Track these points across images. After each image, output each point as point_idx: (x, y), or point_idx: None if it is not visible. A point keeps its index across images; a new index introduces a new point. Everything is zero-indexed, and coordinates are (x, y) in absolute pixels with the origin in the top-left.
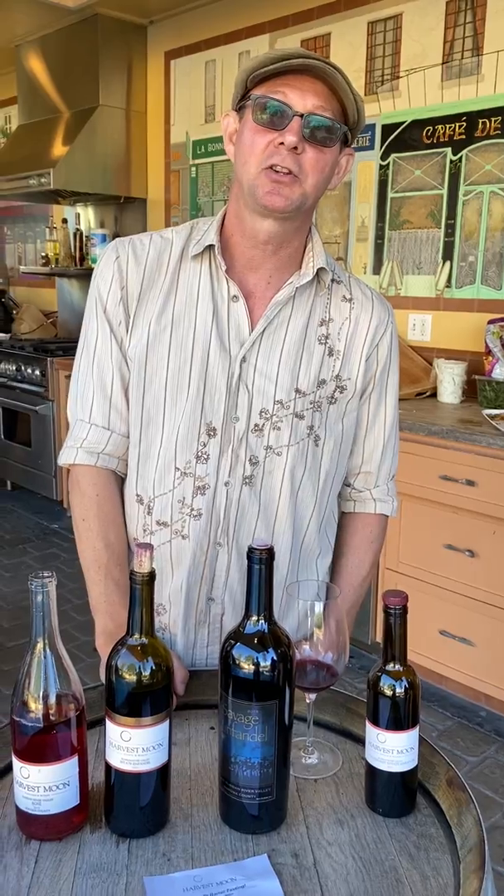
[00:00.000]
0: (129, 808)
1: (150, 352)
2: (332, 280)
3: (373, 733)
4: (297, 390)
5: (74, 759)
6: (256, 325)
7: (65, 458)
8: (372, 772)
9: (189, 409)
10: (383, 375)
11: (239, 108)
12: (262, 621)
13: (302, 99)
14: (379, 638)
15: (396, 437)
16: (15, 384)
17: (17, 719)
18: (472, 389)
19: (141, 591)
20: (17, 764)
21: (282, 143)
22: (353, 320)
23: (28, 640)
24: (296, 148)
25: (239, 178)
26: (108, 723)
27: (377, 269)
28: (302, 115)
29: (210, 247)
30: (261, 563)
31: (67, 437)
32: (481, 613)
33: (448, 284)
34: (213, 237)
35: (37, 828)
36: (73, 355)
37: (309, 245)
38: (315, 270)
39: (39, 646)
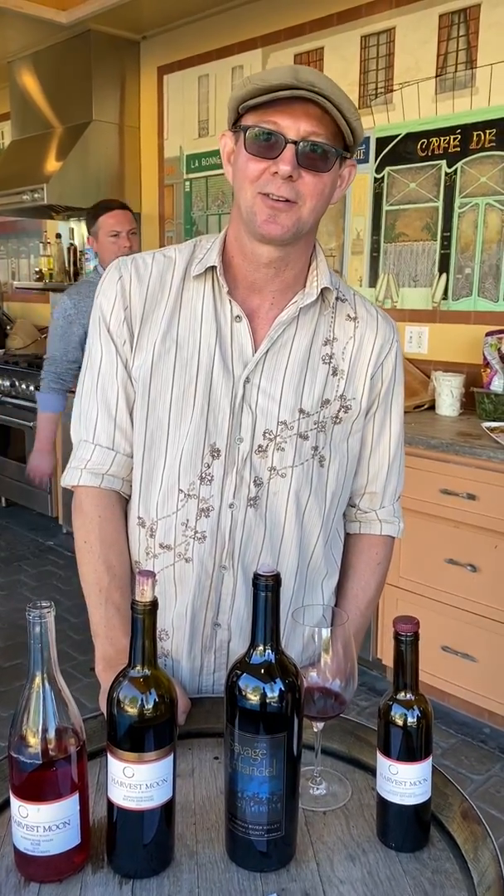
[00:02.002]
0: (132, 847)
1: (155, 373)
2: (337, 298)
3: (384, 765)
4: (301, 410)
5: (75, 797)
6: (260, 346)
7: (68, 479)
8: (384, 805)
9: (193, 431)
10: (388, 395)
11: (234, 130)
12: (269, 651)
13: (295, 125)
14: (381, 654)
15: (402, 458)
16: (8, 400)
17: (16, 756)
18: (471, 402)
19: (143, 621)
20: (15, 803)
21: (276, 173)
22: (358, 339)
23: (23, 660)
24: (290, 176)
25: (237, 201)
26: (109, 758)
27: (373, 282)
28: (296, 143)
29: (212, 268)
30: (267, 590)
31: (71, 457)
32: (484, 629)
33: (444, 297)
34: (215, 258)
35: (36, 869)
36: None
37: (313, 264)
38: (319, 290)
39: (38, 679)
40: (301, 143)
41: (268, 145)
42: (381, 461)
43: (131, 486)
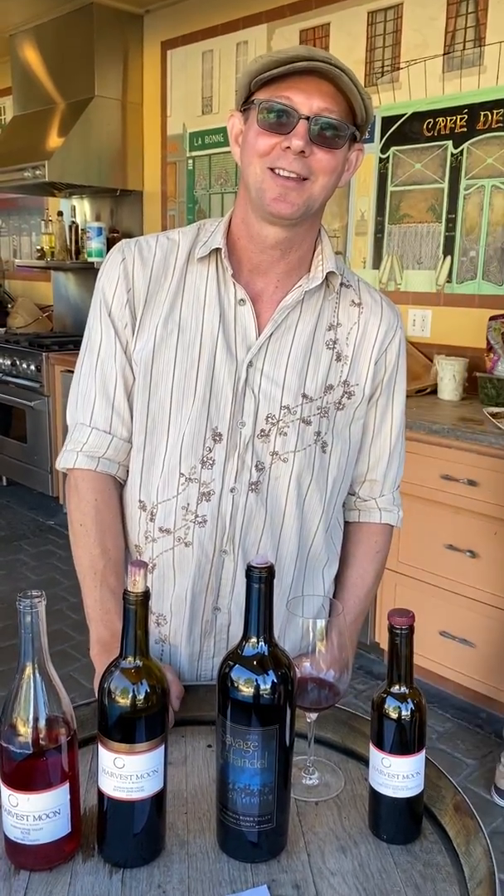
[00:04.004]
0: (122, 837)
1: (157, 356)
2: (342, 284)
3: (377, 757)
4: (304, 395)
5: (65, 787)
6: (264, 330)
7: (64, 461)
8: (376, 797)
9: (195, 414)
10: (391, 382)
11: (244, 109)
12: (262, 643)
13: (308, 101)
14: (379, 638)
15: (403, 445)
16: (10, 379)
17: (6, 745)
18: (473, 387)
19: (135, 611)
20: (5, 791)
21: (288, 148)
22: (362, 325)
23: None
24: (303, 152)
25: (245, 180)
26: (100, 748)
27: (377, 264)
28: (308, 118)
29: (217, 250)
30: (260, 581)
31: (67, 440)
32: (482, 614)
33: (449, 280)
34: (219, 240)
35: (26, 857)
36: (69, 350)
37: (318, 248)
38: (325, 274)
39: (28, 670)
40: (314, 119)
41: (280, 120)
42: (382, 449)
43: (127, 471)
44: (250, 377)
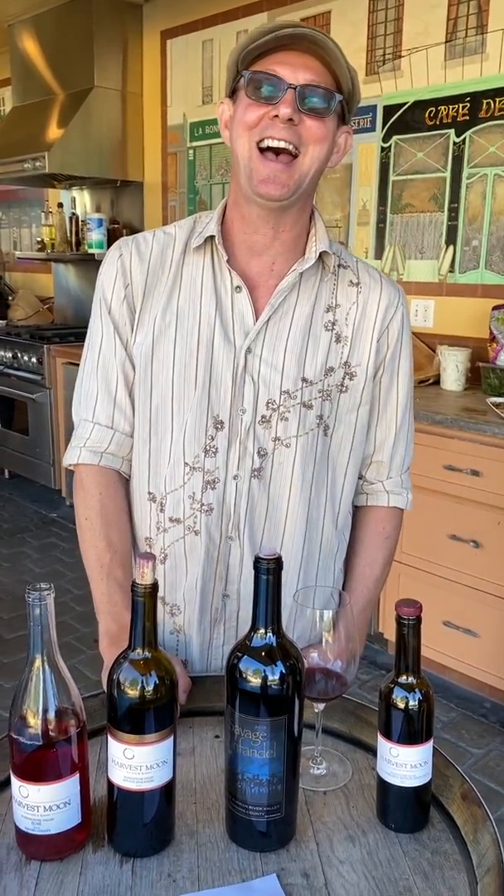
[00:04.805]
0: (132, 827)
1: (156, 348)
2: (339, 265)
3: (385, 747)
4: (304, 379)
5: (75, 777)
6: (261, 315)
7: (69, 458)
8: (384, 786)
9: (196, 403)
10: (394, 359)
11: (232, 92)
12: (270, 634)
13: (294, 73)
14: (383, 628)
15: (410, 426)
16: (11, 372)
17: (16, 737)
18: (476, 377)
19: (143, 604)
20: (15, 783)
21: (276, 116)
22: (361, 305)
23: (27, 632)
24: (291, 120)
25: (235, 158)
26: (109, 739)
27: (379, 254)
28: (295, 87)
29: (211, 238)
30: (268, 573)
31: (72, 437)
32: (486, 604)
33: (451, 269)
34: (213, 228)
35: (37, 847)
36: (70, 342)
37: (312, 230)
38: (317, 254)
39: (38, 662)
40: (301, 88)
41: (268, 91)
42: (388, 429)
43: (131, 465)
44: (249, 363)
